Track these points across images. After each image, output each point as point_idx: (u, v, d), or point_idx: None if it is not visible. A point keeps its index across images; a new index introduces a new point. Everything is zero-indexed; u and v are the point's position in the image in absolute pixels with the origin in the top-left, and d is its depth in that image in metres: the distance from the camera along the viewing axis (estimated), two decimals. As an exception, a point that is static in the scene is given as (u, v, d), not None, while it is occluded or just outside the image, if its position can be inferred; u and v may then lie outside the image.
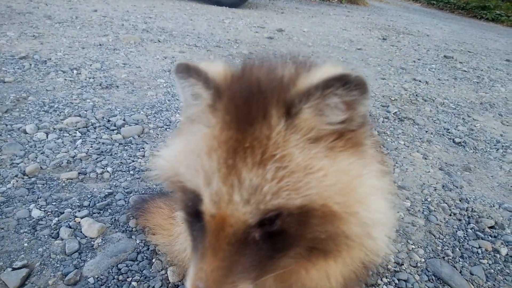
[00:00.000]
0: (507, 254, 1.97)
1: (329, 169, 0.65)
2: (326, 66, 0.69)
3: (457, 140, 3.28)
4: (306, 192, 0.62)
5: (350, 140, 0.69)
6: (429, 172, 2.68)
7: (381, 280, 1.69)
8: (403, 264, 1.80)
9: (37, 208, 1.82)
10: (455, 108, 4.15)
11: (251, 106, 0.64)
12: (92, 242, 1.68)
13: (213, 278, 0.62)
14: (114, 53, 4.33)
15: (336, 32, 8.10)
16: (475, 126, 3.73)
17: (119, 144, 2.47)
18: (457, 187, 2.53)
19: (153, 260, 1.62)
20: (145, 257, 1.64)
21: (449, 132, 3.44)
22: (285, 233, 0.65)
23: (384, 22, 10.88)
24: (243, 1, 9.67)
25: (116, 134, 2.58)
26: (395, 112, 3.72)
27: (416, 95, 4.37)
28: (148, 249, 1.68)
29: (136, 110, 2.97)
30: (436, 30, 10.72)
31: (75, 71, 3.59)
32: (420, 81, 5.02)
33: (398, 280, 1.71)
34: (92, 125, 2.65)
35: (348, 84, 0.62)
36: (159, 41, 5.15)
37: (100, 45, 4.58)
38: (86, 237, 1.70)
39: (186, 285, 0.68)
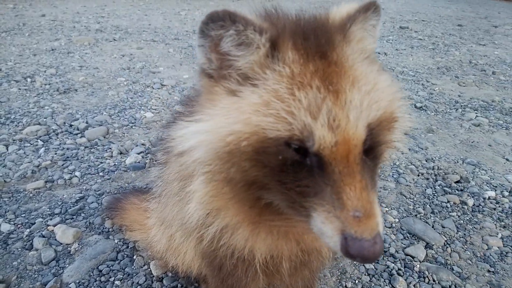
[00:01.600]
0: (473, 205, 2.09)
1: (386, 83, 0.72)
2: (346, 4, 0.77)
3: (418, 105, 3.41)
4: (383, 104, 0.67)
5: (375, 60, 0.78)
6: (395, 138, 2.77)
7: (360, 244, 1.76)
8: (379, 227, 1.88)
9: (5, 222, 1.75)
10: (414, 75, 4.30)
11: (319, 39, 0.67)
12: (68, 248, 1.63)
13: (367, 200, 0.61)
14: (68, 57, 4.16)
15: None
16: (434, 90, 3.88)
17: (85, 147, 2.40)
18: (422, 149, 2.65)
19: (134, 257, 1.60)
20: (125, 255, 1.61)
21: (411, 98, 3.57)
22: (373, 147, 0.69)
23: None
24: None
25: (80, 137, 2.50)
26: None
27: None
28: (127, 247, 1.66)
29: (99, 112, 2.88)
30: (390, 2, 10.99)
31: (29, 79, 3.42)
32: (379, 53, 5.14)
33: (376, 242, 1.77)
34: (53, 131, 2.55)
35: (377, 9, 0.75)
36: (114, 39, 4.99)
37: (53, 50, 4.38)
38: (61, 244, 1.65)
39: (325, 229, 0.62)
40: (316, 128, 0.60)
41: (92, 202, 1.91)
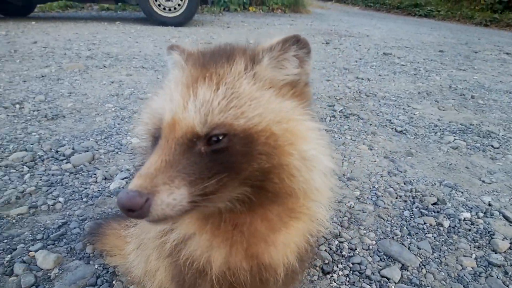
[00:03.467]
0: (449, 226, 2.15)
1: (274, 102, 0.77)
2: (279, 35, 0.85)
3: (398, 128, 3.52)
4: (250, 114, 0.73)
5: (299, 93, 0.84)
6: (375, 161, 2.86)
7: (337, 266, 1.80)
8: (356, 249, 1.92)
9: (-14, 249, 1.76)
10: (395, 100, 4.45)
11: (218, 55, 0.82)
12: (48, 274, 1.64)
13: (155, 167, 0.68)
14: (58, 83, 4.24)
15: (282, 40, 8.38)
16: (414, 114, 4.01)
17: (70, 173, 2.43)
18: (401, 172, 2.73)
19: (114, 282, 1.62)
20: (105, 280, 1.63)
21: (392, 123, 3.69)
22: (230, 153, 0.72)
23: (327, 27, 11.40)
24: (188, 19, 9.75)
25: (65, 163, 2.53)
26: (341, 110, 3.93)
27: (360, 92, 4.63)
28: (107, 272, 1.68)
29: (85, 138, 2.93)
30: (375, 30, 11.39)
31: (17, 106, 3.47)
32: (362, 78, 5.32)
33: (353, 264, 1.82)
34: (39, 157, 2.58)
35: (299, 42, 0.81)
36: (104, 66, 5.10)
37: (43, 76, 4.46)
38: (42, 269, 1.66)
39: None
40: (165, 111, 0.76)
41: (75, 228, 1.93)
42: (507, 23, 13.88)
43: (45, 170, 2.45)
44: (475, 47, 9.05)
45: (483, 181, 2.67)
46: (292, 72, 0.83)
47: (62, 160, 2.58)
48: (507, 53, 8.43)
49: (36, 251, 1.75)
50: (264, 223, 0.87)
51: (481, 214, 2.26)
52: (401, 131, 3.49)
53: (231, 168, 0.72)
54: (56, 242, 1.83)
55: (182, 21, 9.60)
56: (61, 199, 2.16)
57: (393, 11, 18.84)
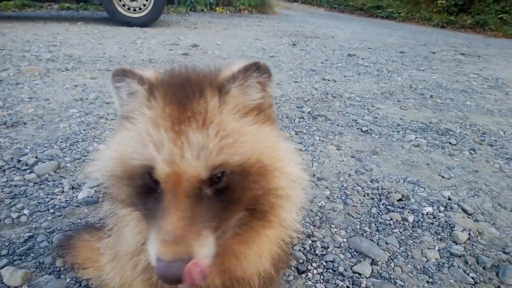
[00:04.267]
0: (413, 221, 2.27)
1: (257, 133, 0.81)
2: (240, 61, 0.87)
3: (364, 128, 3.66)
4: (242, 150, 0.75)
5: (266, 115, 0.88)
6: (343, 161, 2.96)
7: (311, 265, 1.85)
8: (328, 247, 1.99)
9: None
10: (360, 101, 4.61)
11: (188, 89, 0.80)
12: (16, 291, 1.58)
13: (179, 227, 0.68)
14: (17, 88, 4.04)
15: (249, 42, 8.43)
16: (378, 114, 4.18)
17: (34, 183, 2.33)
18: (367, 170, 2.84)
19: (87, 295, 1.58)
20: (77, 294, 1.59)
21: (357, 123, 3.82)
22: (231, 189, 0.76)
23: (293, 29, 11.58)
24: (153, 20, 9.57)
25: (29, 173, 2.43)
26: (309, 111, 4.02)
27: (326, 93, 4.76)
28: (80, 285, 1.63)
29: (49, 145, 2.82)
30: (339, 31, 11.71)
31: (-28, 113, 3.28)
32: (328, 80, 5.47)
33: (326, 262, 1.88)
34: (0, 168, 2.46)
35: (260, 69, 0.83)
36: (67, 69, 4.91)
37: (0, 81, 4.23)
38: (9, 287, 1.60)
39: (149, 248, 0.72)
40: (157, 161, 0.72)
41: (42, 241, 1.86)
42: (462, 24, 14.71)
43: (7, 181, 2.34)
44: (433, 48, 9.54)
45: (442, 177, 2.84)
46: (257, 97, 0.86)
47: (25, 170, 2.47)
48: (462, 54, 8.95)
49: (1, 267, 1.67)
50: (237, 238, 0.89)
51: (442, 208, 2.40)
52: (367, 131, 3.63)
53: (234, 202, 0.77)
54: (23, 257, 1.76)
55: (147, 22, 9.41)
56: (26, 211, 2.07)
57: (356, 12, 19.42)
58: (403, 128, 3.79)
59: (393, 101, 4.71)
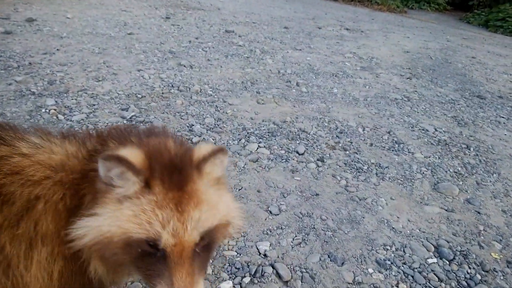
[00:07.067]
0: None
1: (224, 199, 1.03)
2: (205, 145, 1.05)
3: (195, 139, 2.85)
4: (219, 216, 0.97)
5: (224, 182, 1.09)
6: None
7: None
8: None
9: None
10: (211, 95, 3.79)
11: (179, 175, 0.95)
12: None
13: (188, 282, 0.91)
14: None
15: (111, 14, 7.01)
16: (226, 113, 3.41)
17: None
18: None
19: None
20: None
21: (191, 130, 2.99)
22: (210, 243, 1.00)
23: (178, -2, 10.26)
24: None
25: None
26: (132, 116, 3.07)
27: (172, 86, 3.83)
28: None
29: None
30: (230, 2, 10.70)
31: None
32: (184, 65, 4.53)
33: None
34: None
35: (223, 151, 1.02)
36: None
37: None
38: None
39: None
40: (163, 235, 0.89)
41: None
42: (353, -3, 14.79)
43: None
44: (320, 22, 9.16)
45: (270, 212, 2.17)
46: (220, 171, 1.04)
47: None
48: (347, 29, 8.71)
49: None
50: None
51: (247, 278, 1.70)
52: (198, 142, 2.82)
53: (211, 250, 1.04)
54: None
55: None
56: None
57: (254, -19, 18.51)
58: (248, 133, 3.07)
59: (251, 93, 3.98)
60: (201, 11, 8.74)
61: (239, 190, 2.34)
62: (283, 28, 7.86)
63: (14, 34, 5.00)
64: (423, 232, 2.21)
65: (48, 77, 3.64)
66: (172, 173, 0.95)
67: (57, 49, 4.53)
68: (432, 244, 2.10)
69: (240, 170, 2.55)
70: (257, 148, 2.84)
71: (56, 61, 4.10)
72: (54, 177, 1.00)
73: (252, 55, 5.42)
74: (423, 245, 2.09)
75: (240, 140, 2.94)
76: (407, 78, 5.34)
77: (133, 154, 0.95)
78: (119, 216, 0.91)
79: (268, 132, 3.12)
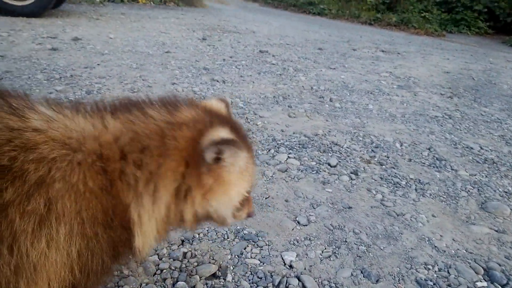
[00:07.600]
0: None
1: None
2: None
3: (223, 148, 2.79)
4: None
5: None
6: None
7: None
8: None
9: None
10: (242, 107, 3.75)
11: (247, 142, 1.17)
12: None
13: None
14: None
15: (151, 36, 7.33)
16: (256, 124, 3.35)
17: None
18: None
19: None
20: None
21: (220, 139, 2.94)
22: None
23: (216, 22, 10.61)
24: (43, 9, 8.08)
25: None
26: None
27: (204, 98, 3.85)
28: None
29: None
30: (264, 26, 10.94)
31: None
32: (217, 80, 4.57)
33: None
34: None
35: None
36: None
37: None
38: None
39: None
40: (255, 182, 1.27)
41: None
42: (388, 22, 14.65)
43: None
44: (355, 45, 9.07)
45: (298, 223, 2.03)
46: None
47: None
48: (382, 51, 8.55)
49: None
50: None
51: (270, 288, 1.56)
52: (226, 150, 2.76)
53: None
54: None
55: (35, 11, 7.89)
56: None
57: (290, 8, 18.90)
58: (278, 144, 2.98)
59: (283, 107, 3.91)
60: (237, 33, 8.94)
61: (266, 198, 2.22)
62: (317, 49, 7.84)
63: (59, 50, 5.30)
64: (470, 253, 1.97)
65: (87, 87, 3.78)
66: (246, 141, 1.14)
67: (98, 64, 4.73)
68: (482, 267, 1.86)
69: (268, 179, 2.44)
70: (287, 159, 2.73)
71: (96, 74, 4.26)
72: (71, 156, 0.94)
73: (285, 73, 5.40)
74: (470, 266, 1.85)
75: (269, 151, 2.84)
76: (448, 97, 5.08)
77: (230, 133, 1.04)
78: (242, 183, 1.09)
79: (299, 144, 3.01)
